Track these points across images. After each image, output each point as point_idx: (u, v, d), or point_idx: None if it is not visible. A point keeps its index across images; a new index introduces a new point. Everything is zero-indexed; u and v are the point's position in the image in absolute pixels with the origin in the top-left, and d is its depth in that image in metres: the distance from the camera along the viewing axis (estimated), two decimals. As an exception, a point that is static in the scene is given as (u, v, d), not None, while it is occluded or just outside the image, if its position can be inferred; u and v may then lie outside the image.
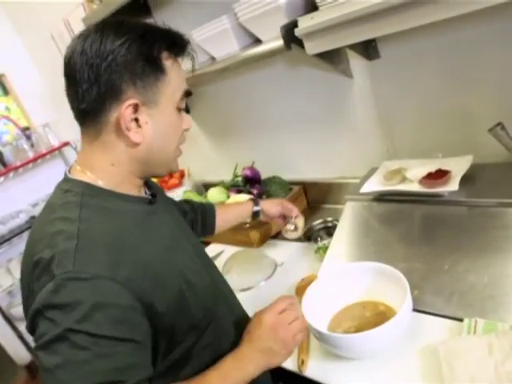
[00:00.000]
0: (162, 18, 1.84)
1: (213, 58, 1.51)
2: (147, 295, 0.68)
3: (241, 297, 1.01)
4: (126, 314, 0.65)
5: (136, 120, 0.72)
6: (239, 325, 0.90)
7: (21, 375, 3.16)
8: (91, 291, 0.62)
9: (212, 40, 1.42)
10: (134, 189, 0.81)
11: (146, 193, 0.88)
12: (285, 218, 1.34)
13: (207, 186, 2.06)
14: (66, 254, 0.64)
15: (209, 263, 0.97)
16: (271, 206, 1.32)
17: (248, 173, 1.72)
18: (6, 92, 2.97)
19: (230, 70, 1.60)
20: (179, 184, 2.13)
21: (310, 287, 1.04)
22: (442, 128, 1.29)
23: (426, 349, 0.88)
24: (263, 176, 1.78)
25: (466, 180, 1.10)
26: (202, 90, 1.95)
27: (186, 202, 1.29)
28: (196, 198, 1.80)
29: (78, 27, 2.06)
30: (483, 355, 0.78)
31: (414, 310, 0.95)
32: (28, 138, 2.80)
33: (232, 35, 1.36)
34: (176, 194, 1.95)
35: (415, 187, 1.17)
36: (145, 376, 0.66)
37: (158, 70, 0.72)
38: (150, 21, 1.87)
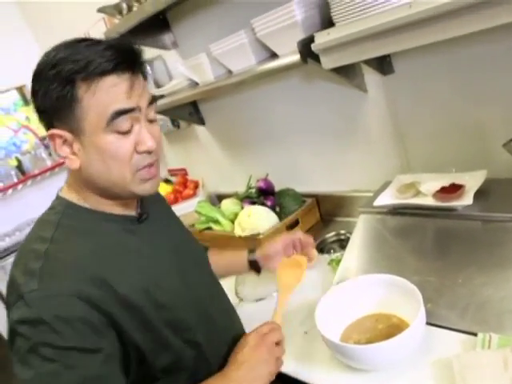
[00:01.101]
0: (181, 33, 1.89)
1: (229, 72, 1.54)
2: (110, 310, 0.70)
3: (254, 307, 1.02)
4: (91, 326, 0.67)
5: (71, 147, 0.74)
6: (227, 353, 0.89)
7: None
8: (55, 307, 0.66)
9: (229, 54, 1.45)
10: (117, 207, 0.82)
11: (137, 210, 0.87)
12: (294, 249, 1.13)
13: (221, 197, 2.08)
14: (32, 274, 0.68)
15: (202, 285, 0.93)
16: (270, 247, 1.11)
17: (262, 184, 1.74)
18: (26, 102, 3.05)
19: (246, 84, 1.63)
20: (193, 194, 2.15)
21: (324, 298, 1.04)
22: (456, 143, 1.29)
23: (439, 362, 0.87)
24: (277, 188, 1.80)
25: (480, 194, 1.10)
26: (217, 103, 1.98)
27: None
28: (210, 209, 1.82)
29: (99, 40, 2.12)
30: (498, 370, 0.77)
31: (428, 323, 0.94)
32: (46, 147, 2.87)
33: (249, 50, 1.39)
34: (190, 205, 1.98)
35: (429, 201, 1.17)
36: None
37: (68, 99, 0.70)
38: (168, 35, 1.92)
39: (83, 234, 0.77)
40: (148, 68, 2.02)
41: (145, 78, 0.79)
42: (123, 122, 0.72)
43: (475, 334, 0.89)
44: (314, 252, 1.16)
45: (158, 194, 1.02)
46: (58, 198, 0.82)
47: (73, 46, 0.72)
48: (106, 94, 0.71)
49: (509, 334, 0.85)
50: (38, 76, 0.73)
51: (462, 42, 1.12)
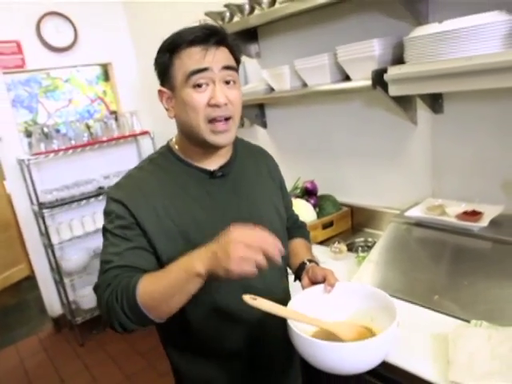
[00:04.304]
0: (266, 46, 2.20)
1: (304, 85, 1.83)
2: (149, 229, 0.94)
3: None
4: (130, 225, 0.93)
5: (171, 102, 0.98)
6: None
7: (47, 326, 3.40)
8: (115, 207, 0.95)
9: (310, 70, 1.74)
10: (201, 159, 1.02)
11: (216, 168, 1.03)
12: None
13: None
14: (116, 184, 1.01)
15: None
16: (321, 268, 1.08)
17: (309, 185, 2.01)
18: (107, 78, 3.42)
19: (313, 98, 1.91)
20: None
21: (296, 298, 0.98)
22: (484, 180, 1.53)
23: (438, 336, 1.10)
24: (319, 193, 2.06)
25: (495, 222, 1.34)
26: (282, 111, 2.28)
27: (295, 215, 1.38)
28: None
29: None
30: (482, 340, 1.01)
31: (434, 310, 1.21)
32: (116, 119, 3.20)
33: (328, 70, 1.68)
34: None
35: (452, 220, 1.42)
36: (132, 265, 0.90)
37: (166, 63, 0.95)
38: (254, 46, 2.24)
39: (162, 172, 1.01)
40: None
41: (232, 51, 0.98)
42: (197, 79, 0.92)
43: (470, 321, 1.12)
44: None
45: (266, 165, 1.19)
46: (167, 143, 1.08)
47: (184, 28, 0.96)
48: (188, 58, 0.93)
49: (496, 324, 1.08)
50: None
51: (508, 95, 1.37)
